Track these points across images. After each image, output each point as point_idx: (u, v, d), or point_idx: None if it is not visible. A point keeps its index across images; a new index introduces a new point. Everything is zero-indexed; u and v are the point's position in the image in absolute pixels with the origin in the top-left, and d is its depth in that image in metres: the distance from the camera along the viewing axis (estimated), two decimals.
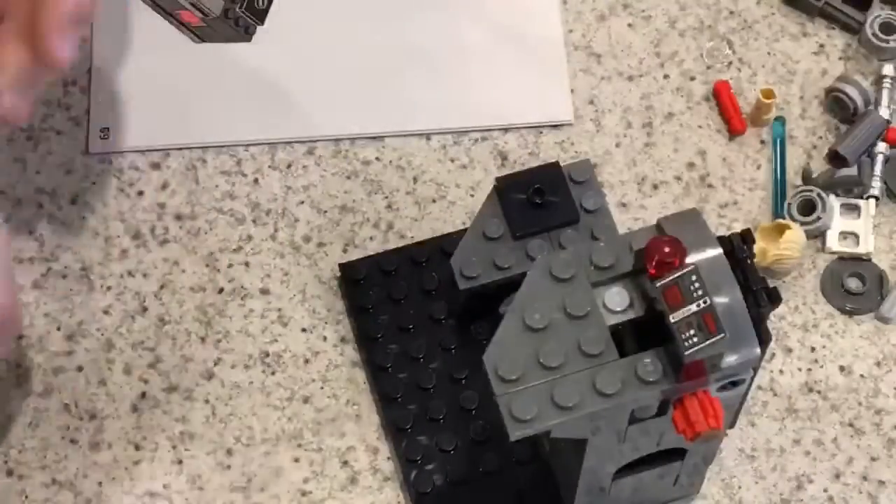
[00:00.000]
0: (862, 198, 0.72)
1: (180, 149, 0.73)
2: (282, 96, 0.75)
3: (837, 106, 0.74)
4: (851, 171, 0.72)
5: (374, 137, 0.74)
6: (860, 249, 0.71)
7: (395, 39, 0.76)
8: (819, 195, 0.71)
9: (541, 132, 0.74)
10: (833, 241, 0.72)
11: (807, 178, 0.73)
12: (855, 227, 0.72)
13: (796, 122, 0.75)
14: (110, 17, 0.76)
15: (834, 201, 0.72)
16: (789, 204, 0.72)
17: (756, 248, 0.70)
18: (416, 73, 0.75)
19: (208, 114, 0.74)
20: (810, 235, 0.71)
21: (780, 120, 0.74)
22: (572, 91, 0.75)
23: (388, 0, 0.77)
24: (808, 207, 0.72)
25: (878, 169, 0.73)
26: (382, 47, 0.76)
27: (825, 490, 0.67)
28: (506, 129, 0.74)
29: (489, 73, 0.75)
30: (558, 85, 0.75)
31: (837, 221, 0.72)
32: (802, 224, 0.71)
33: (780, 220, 0.71)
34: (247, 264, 0.71)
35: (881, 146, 0.73)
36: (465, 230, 0.65)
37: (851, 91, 0.73)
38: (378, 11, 0.77)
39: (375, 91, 0.75)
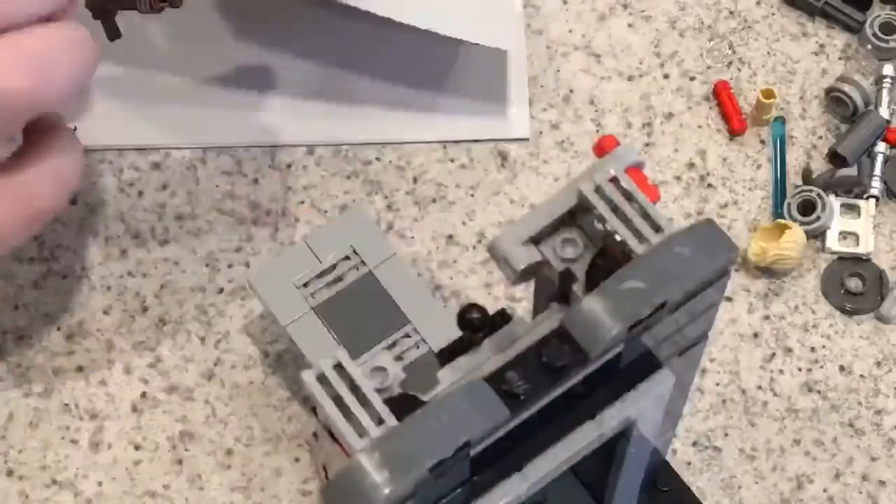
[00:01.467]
0: (862, 198, 0.72)
1: (180, 149, 0.73)
2: (282, 97, 0.75)
3: (837, 106, 0.74)
4: (851, 171, 0.72)
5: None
6: (860, 249, 0.71)
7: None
8: (819, 195, 0.71)
9: (541, 132, 0.74)
10: (833, 241, 0.72)
11: (807, 178, 0.73)
12: (855, 227, 0.72)
13: (796, 122, 0.75)
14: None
15: (834, 201, 0.72)
16: (789, 204, 0.72)
17: (756, 247, 0.70)
18: (380, 84, 0.75)
19: (208, 114, 0.74)
20: (810, 235, 0.71)
21: (780, 120, 0.74)
22: (572, 91, 0.75)
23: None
24: (808, 207, 0.72)
25: (878, 169, 0.73)
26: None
27: (825, 490, 0.67)
28: None
29: (446, 85, 0.74)
30: (515, 100, 0.74)
31: (837, 221, 0.72)
32: (802, 224, 0.71)
33: (780, 220, 0.71)
34: (247, 264, 0.71)
35: (881, 146, 0.73)
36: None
37: (851, 91, 0.73)
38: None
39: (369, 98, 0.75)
